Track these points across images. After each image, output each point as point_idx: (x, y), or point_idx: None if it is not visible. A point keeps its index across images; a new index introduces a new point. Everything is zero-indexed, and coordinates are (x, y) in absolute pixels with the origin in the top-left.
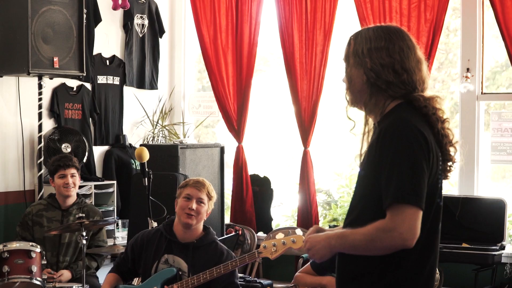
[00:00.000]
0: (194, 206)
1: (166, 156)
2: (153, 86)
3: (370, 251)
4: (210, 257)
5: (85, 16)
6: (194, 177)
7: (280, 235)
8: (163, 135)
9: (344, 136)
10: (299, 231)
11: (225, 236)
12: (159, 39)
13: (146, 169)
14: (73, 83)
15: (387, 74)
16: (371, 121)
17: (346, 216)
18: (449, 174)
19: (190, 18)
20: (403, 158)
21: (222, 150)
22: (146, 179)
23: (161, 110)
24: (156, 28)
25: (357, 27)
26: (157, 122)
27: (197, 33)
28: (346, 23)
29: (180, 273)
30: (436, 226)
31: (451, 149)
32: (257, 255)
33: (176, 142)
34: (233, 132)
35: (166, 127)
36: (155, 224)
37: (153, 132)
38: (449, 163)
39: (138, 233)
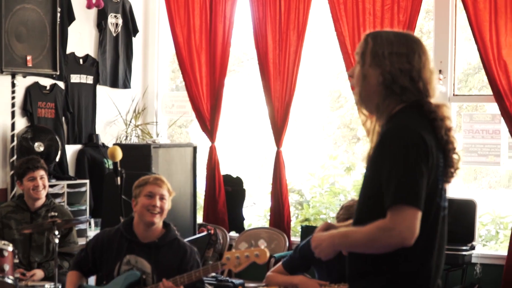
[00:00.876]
0: (158, 203)
1: (139, 155)
2: (126, 85)
3: (371, 249)
4: (173, 255)
5: (59, 14)
6: (154, 175)
7: (243, 245)
8: (136, 135)
9: (316, 136)
10: (262, 243)
11: (197, 236)
12: (133, 38)
13: (119, 168)
14: (46, 82)
15: (404, 80)
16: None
17: (355, 215)
18: (451, 179)
19: (164, 17)
20: (403, 160)
21: (194, 150)
22: (118, 178)
23: (134, 110)
24: (130, 27)
25: (331, 28)
26: (130, 122)
27: (171, 33)
28: (319, 24)
29: (144, 276)
30: (436, 226)
31: (454, 156)
32: (220, 267)
33: (149, 142)
34: (206, 132)
35: (139, 127)
36: None
37: (126, 132)
38: (451, 169)
39: (98, 233)
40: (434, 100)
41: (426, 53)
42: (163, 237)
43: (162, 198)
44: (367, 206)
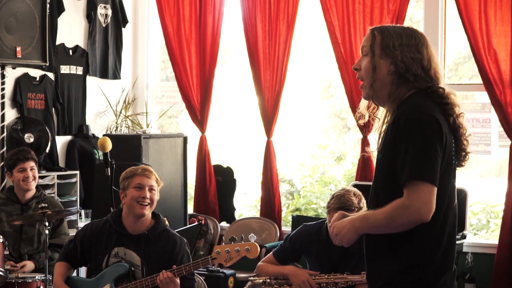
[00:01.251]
0: (148, 194)
1: (129, 146)
2: (116, 76)
3: (392, 229)
4: (163, 247)
5: (48, 6)
6: (141, 166)
7: (233, 241)
8: (126, 125)
9: (307, 126)
10: (253, 237)
11: (188, 226)
12: (123, 29)
13: (109, 159)
14: (36, 73)
15: (416, 68)
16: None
17: (370, 199)
18: (463, 163)
19: (153, 8)
20: (417, 139)
21: (185, 140)
22: (109, 169)
23: (124, 100)
24: (120, 18)
25: (321, 18)
26: (120, 112)
27: (160, 23)
28: (309, 14)
29: (133, 268)
30: (452, 206)
31: (466, 143)
32: (210, 261)
33: (139, 132)
34: (196, 122)
35: (129, 117)
36: None
37: (116, 122)
38: (463, 153)
39: (86, 225)
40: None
41: (431, 46)
42: (153, 229)
43: (151, 189)
44: (384, 188)
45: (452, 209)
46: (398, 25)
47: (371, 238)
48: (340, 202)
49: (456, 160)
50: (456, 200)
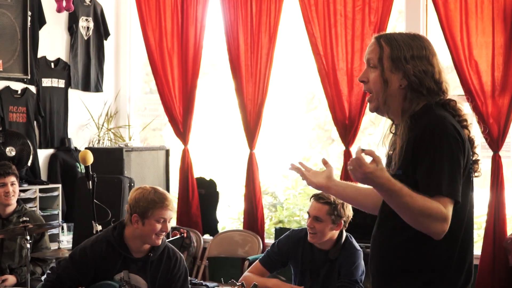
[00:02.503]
0: (169, 228)
1: (111, 159)
2: (98, 88)
3: (412, 221)
4: (165, 266)
5: (29, 18)
6: (163, 194)
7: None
8: (109, 138)
9: (290, 138)
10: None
11: (171, 239)
12: (105, 41)
13: (91, 173)
14: (18, 86)
15: (429, 82)
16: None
17: (380, 216)
18: (476, 174)
19: (135, 20)
20: (447, 152)
21: (167, 153)
22: (90, 182)
23: (107, 113)
24: (102, 30)
25: (302, 30)
26: (103, 125)
27: (142, 36)
28: (291, 26)
29: None
30: (472, 220)
31: (476, 153)
32: None
33: (122, 145)
34: (179, 134)
35: (112, 130)
36: (99, 228)
37: (98, 135)
38: (476, 165)
39: (81, 249)
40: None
41: (437, 54)
42: (156, 250)
43: (169, 220)
44: None
45: (472, 224)
46: (404, 32)
47: (384, 254)
48: (318, 195)
49: (473, 171)
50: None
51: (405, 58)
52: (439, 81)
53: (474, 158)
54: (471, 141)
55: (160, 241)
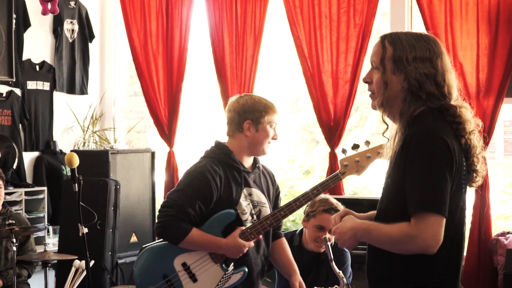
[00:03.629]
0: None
1: (97, 161)
2: (83, 91)
3: (392, 250)
4: (268, 180)
5: (14, 21)
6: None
7: (362, 148)
8: (94, 141)
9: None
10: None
11: (156, 241)
12: (89, 44)
13: (76, 175)
14: (3, 89)
15: (429, 86)
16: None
17: (374, 220)
18: (474, 184)
19: (120, 23)
20: (428, 167)
21: (153, 155)
22: (76, 184)
23: (92, 116)
24: (86, 33)
25: (287, 32)
26: (88, 128)
27: (127, 38)
28: (276, 28)
29: (241, 211)
30: (462, 230)
31: (476, 160)
32: (341, 176)
33: (107, 148)
34: (164, 137)
35: (97, 133)
36: (85, 230)
37: (83, 138)
38: (474, 174)
39: (198, 177)
40: (454, 101)
41: (446, 54)
42: (258, 163)
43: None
44: (390, 214)
45: (462, 234)
46: (411, 32)
47: (375, 258)
48: (328, 204)
49: (466, 182)
50: (465, 225)
51: (407, 59)
52: (441, 85)
53: (474, 167)
54: (470, 149)
55: (268, 151)
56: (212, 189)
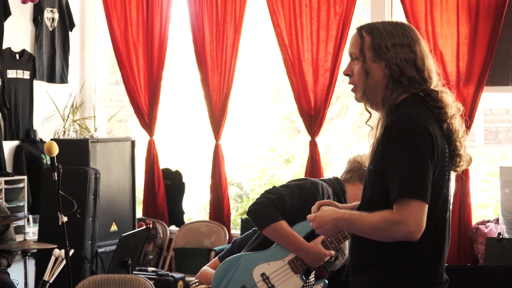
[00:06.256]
0: None
1: (76, 150)
2: (63, 80)
3: (375, 238)
4: None
5: None
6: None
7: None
8: (74, 130)
9: (256, 129)
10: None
11: (136, 230)
12: (70, 32)
13: (56, 164)
14: None
15: (411, 71)
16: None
17: (358, 208)
18: (458, 168)
19: (101, 12)
20: (408, 153)
21: (133, 144)
22: (55, 173)
23: (72, 105)
24: (67, 21)
25: (268, 20)
26: (68, 117)
27: (107, 27)
28: (256, 16)
29: None
30: (444, 217)
31: (458, 144)
32: None
33: (87, 136)
34: (145, 126)
35: (77, 122)
36: (65, 219)
37: (64, 127)
38: (458, 158)
39: (313, 184)
40: (435, 86)
41: (422, 40)
42: None
43: None
44: (373, 201)
45: (445, 221)
46: (387, 21)
47: (358, 247)
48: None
49: (449, 168)
50: (449, 212)
51: (386, 46)
52: (421, 69)
53: (457, 152)
54: (452, 134)
55: None
56: (309, 200)
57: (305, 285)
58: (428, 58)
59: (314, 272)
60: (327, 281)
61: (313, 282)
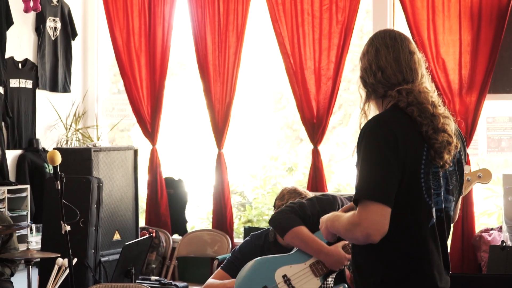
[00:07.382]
0: None
1: (79, 159)
2: (66, 89)
3: (347, 239)
4: None
5: None
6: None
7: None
8: (77, 139)
9: (259, 137)
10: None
11: (139, 239)
12: (72, 42)
13: (59, 173)
14: None
15: (368, 77)
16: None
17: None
18: (446, 164)
19: (103, 20)
20: (369, 156)
21: (135, 152)
22: (58, 182)
23: (75, 114)
24: (69, 31)
25: (270, 29)
26: (71, 126)
27: (110, 36)
28: (258, 25)
29: None
30: (426, 226)
31: (437, 139)
32: None
33: (90, 146)
34: (147, 135)
35: (80, 131)
36: (68, 228)
37: (66, 136)
38: (440, 151)
39: (335, 198)
40: (420, 85)
41: (387, 41)
42: None
43: None
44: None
45: (427, 231)
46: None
47: (353, 247)
48: (296, 194)
49: (429, 175)
50: (439, 220)
51: (360, 59)
52: (375, 72)
53: (436, 146)
54: (429, 139)
55: None
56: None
57: (323, 286)
58: (382, 58)
59: (334, 275)
60: (346, 286)
61: (332, 285)
